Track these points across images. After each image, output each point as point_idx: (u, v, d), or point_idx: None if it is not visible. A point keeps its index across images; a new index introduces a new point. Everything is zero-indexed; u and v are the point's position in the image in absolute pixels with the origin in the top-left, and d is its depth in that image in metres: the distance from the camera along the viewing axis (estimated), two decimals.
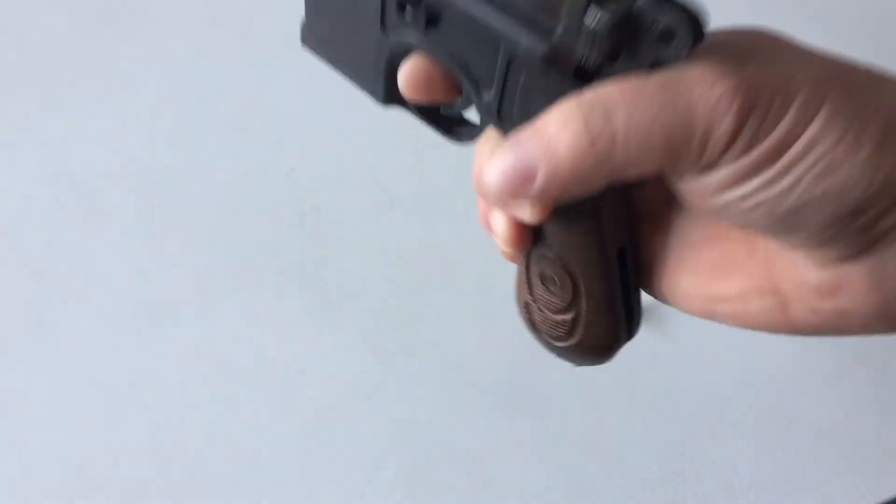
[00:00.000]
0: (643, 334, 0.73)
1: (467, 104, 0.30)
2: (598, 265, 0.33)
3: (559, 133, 0.23)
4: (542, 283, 0.32)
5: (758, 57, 0.23)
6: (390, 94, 0.31)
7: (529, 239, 0.30)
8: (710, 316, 0.28)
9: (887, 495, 0.61)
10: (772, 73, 0.22)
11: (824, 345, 0.64)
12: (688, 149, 0.22)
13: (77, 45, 0.74)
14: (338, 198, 0.72)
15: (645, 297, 0.74)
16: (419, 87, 0.28)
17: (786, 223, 0.23)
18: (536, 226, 0.29)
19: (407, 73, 0.28)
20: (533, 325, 0.34)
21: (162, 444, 0.60)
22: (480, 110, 0.28)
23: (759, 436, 0.62)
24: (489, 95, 0.27)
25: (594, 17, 0.23)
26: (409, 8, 0.27)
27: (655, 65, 0.23)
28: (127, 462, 0.59)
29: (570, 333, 0.34)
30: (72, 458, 0.58)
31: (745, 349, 0.64)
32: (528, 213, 0.27)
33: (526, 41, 0.25)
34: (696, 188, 0.23)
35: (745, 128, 0.22)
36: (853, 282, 0.24)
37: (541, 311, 0.33)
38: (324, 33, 0.33)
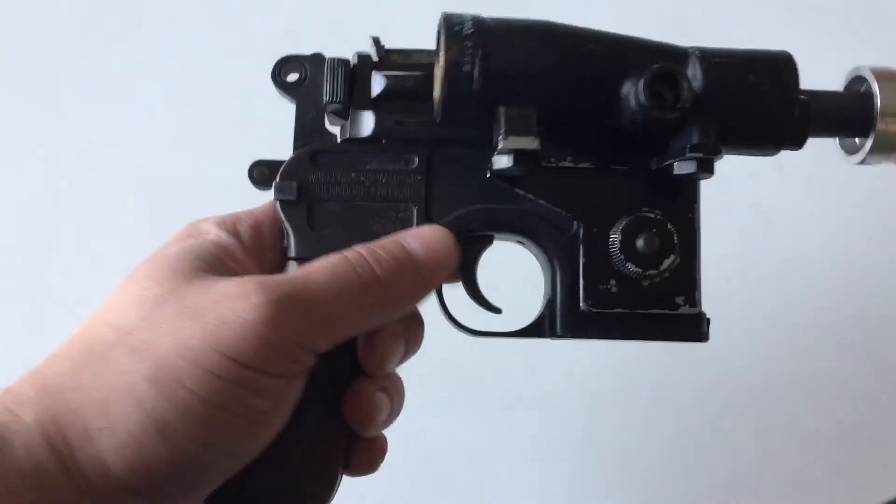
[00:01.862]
0: None
1: None
2: None
3: None
4: None
5: None
6: None
7: None
8: None
9: (887, 495, 0.61)
10: None
11: (824, 345, 0.64)
12: None
13: (78, 44, 0.74)
14: None
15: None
16: None
17: None
18: None
19: None
20: None
21: None
22: None
23: (759, 436, 0.62)
24: None
25: None
26: None
27: None
28: None
29: None
30: None
31: (746, 349, 0.64)
32: None
33: None
34: None
35: None
36: None
37: None
38: None
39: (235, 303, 0.30)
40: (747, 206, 0.68)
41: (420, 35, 0.74)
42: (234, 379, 0.29)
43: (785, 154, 0.71)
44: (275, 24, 0.75)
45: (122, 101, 0.72)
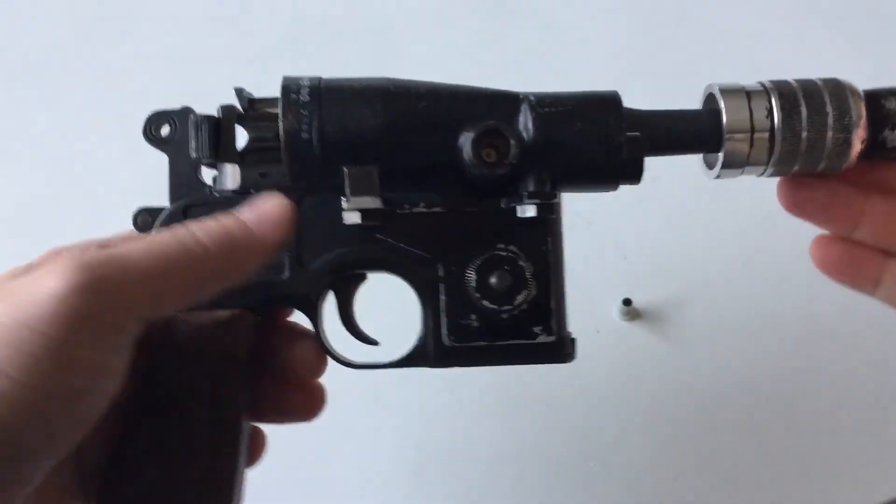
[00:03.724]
0: (643, 334, 0.72)
1: None
2: None
3: None
4: None
5: None
6: None
7: None
8: None
9: (887, 495, 0.61)
10: None
11: (824, 345, 0.64)
12: None
13: (76, 42, 0.74)
14: None
15: (645, 297, 0.73)
16: None
17: None
18: None
19: None
20: None
21: None
22: None
23: (759, 436, 0.62)
24: None
25: None
26: None
27: None
28: None
29: None
30: None
31: (746, 351, 0.64)
32: None
33: None
34: None
35: None
36: None
37: None
38: None
39: (45, 278, 0.29)
40: (747, 206, 0.68)
41: (418, 33, 0.74)
42: (48, 356, 0.28)
43: None
44: (276, 24, 0.75)
45: (123, 101, 0.72)
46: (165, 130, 0.40)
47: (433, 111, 0.36)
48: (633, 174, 0.37)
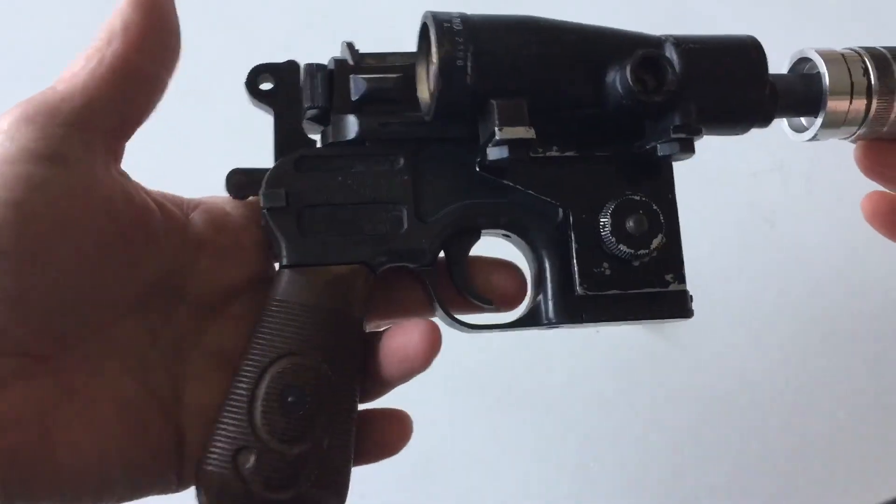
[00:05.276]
0: (644, 335, 0.72)
1: None
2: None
3: None
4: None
5: None
6: None
7: None
8: None
9: (887, 495, 0.61)
10: None
11: (824, 345, 0.64)
12: None
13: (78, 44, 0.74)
14: None
15: None
16: None
17: None
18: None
19: None
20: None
21: None
22: None
23: (758, 436, 0.62)
24: None
25: None
26: None
27: None
28: None
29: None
30: None
31: (746, 351, 0.64)
32: None
33: None
34: None
35: None
36: None
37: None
38: None
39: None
40: (747, 206, 0.68)
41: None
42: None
43: (785, 154, 0.71)
44: (277, 24, 0.75)
45: None
46: (267, 84, 0.38)
47: (582, 46, 0.36)
48: (766, 117, 0.38)
